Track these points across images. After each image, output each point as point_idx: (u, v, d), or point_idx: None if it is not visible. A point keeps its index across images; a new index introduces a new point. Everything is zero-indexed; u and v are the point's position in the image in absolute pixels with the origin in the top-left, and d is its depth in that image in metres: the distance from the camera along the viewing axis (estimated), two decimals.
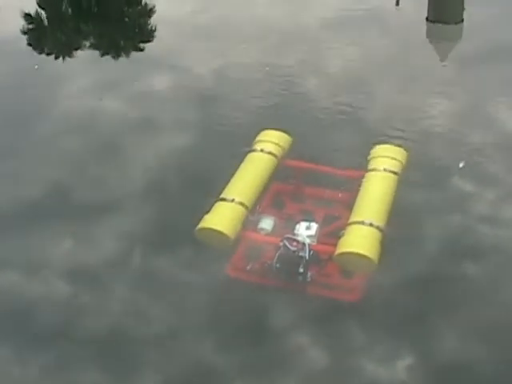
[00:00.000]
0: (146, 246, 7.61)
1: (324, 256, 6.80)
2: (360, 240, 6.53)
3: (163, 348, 6.58)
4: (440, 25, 11.63)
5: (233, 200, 6.94)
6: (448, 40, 11.72)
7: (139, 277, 7.30)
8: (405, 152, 7.61)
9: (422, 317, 6.72)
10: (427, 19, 11.72)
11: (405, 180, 7.39)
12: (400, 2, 12.53)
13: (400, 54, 11.07)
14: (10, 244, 7.72)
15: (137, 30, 13.02)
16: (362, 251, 6.41)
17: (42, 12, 13.12)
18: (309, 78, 10.61)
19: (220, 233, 6.68)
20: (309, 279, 6.78)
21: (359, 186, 7.22)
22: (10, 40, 12.16)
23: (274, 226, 7.09)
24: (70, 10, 13.78)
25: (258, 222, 7.09)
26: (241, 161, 7.49)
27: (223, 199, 6.98)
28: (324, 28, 11.90)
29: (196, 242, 6.93)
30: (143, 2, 13.37)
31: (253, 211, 7.07)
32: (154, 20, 12.73)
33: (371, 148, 7.70)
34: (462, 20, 11.61)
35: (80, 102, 10.20)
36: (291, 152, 7.82)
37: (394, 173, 7.27)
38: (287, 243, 6.73)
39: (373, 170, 7.32)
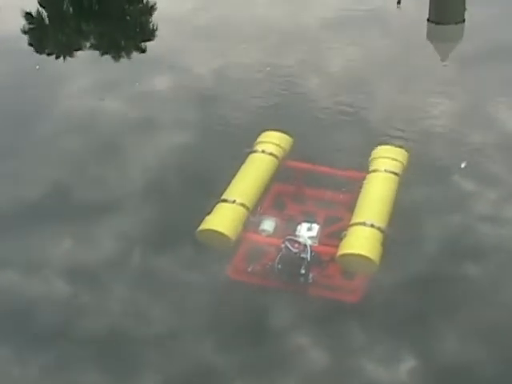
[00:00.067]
0: (145, 246, 7.60)
1: (325, 257, 6.80)
2: (361, 241, 6.52)
3: (163, 348, 6.58)
4: (441, 25, 11.61)
5: (234, 201, 6.94)
6: (449, 40, 11.71)
7: (139, 277, 7.29)
8: (406, 153, 7.61)
9: (422, 318, 6.71)
10: (428, 20, 11.70)
11: (406, 180, 7.39)
12: (401, 3, 12.52)
13: (401, 54, 11.06)
14: (10, 244, 7.71)
15: (138, 30, 13.01)
16: (363, 252, 6.41)
17: (43, 11, 13.11)
18: (309, 78, 10.60)
19: (221, 234, 6.68)
20: (310, 280, 6.78)
21: (360, 187, 7.22)
22: (10, 39, 12.16)
23: (276, 228, 7.09)
24: (71, 9, 13.78)
25: (259, 223, 7.09)
26: (241, 161, 7.49)
27: (224, 200, 6.97)
28: (324, 28, 11.89)
29: (196, 242, 6.92)
30: (144, 1, 13.37)
31: (254, 212, 7.07)
32: (154, 19, 12.72)
33: (372, 148, 7.70)
34: (464, 20, 11.60)
35: (80, 102, 10.19)
36: (292, 153, 7.82)
37: (395, 174, 7.28)
38: (289, 245, 6.73)
39: (374, 170, 7.32)
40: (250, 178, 7.25)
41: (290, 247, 6.72)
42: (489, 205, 7.99)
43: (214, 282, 7.05)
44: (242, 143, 7.91)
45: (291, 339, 6.58)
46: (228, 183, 7.24)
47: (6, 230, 7.85)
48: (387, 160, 7.39)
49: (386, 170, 7.27)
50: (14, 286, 7.24)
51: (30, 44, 12.26)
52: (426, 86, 10.21)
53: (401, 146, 7.82)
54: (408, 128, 9.17)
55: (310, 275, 6.77)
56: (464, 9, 11.59)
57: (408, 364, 6.32)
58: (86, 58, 11.72)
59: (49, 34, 13.05)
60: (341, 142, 8.97)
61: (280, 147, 7.64)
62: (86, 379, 6.37)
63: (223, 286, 7.00)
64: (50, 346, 6.65)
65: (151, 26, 12.58)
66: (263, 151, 7.55)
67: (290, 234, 6.88)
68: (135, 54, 11.89)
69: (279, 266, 6.77)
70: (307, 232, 6.96)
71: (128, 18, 13.53)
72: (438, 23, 11.65)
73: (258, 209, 7.19)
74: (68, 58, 11.72)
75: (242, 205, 6.93)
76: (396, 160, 7.41)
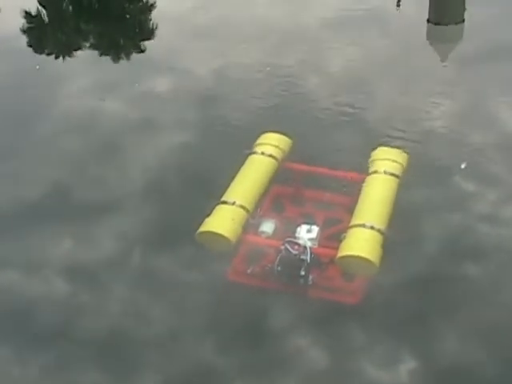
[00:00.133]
0: (145, 247, 7.61)
1: (325, 259, 6.80)
2: (361, 243, 6.53)
3: (163, 348, 6.59)
4: (441, 25, 11.61)
5: (234, 203, 6.93)
6: (449, 40, 11.69)
7: (139, 277, 7.30)
8: (405, 154, 7.60)
9: (422, 319, 6.72)
10: (428, 20, 11.70)
11: (406, 180, 7.39)
12: (401, 4, 12.50)
13: (400, 54, 11.04)
14: (10, 244, 7.72)
15: (137, 30, 13.00)
16: (363, 254, 6.41)
17: (43, 10, 13.10)
18: (309, 78, 10.59)
19: (221, 236, 6.68)
20: (310, 282, 6.78)
21: (360, 188, 7.21)
22: (10, 39, 12.15)
23: (275, 229, 7.09)
24: (70, 8, 13.77)
25: (258, 225, 7.09)
26: (241, 163, 7.49)
27: (224, 202, 6.98)
28: (324, 28, 11.87)
29: (196, 243, 6.92)
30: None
31: (254, 214, 7.07)
32: (154, 18, 12.71)
33: (372, 149, 7.69)
34: (463, 20, 11.59)
35: (80, 102, 10.19)
36: (292, 153, 7.82)
37: (395, 175, 7.27)
38: (289, 246, 6.74)
39: (373, 172, 7.31)
40: (249, 180, 7.25)
41: (290, 249, 6.73)
42: (489, 205, 7.99)
43: (214, 283, 7.06)
44: (242, 144, 7.90)
45: (291, 340, 6.58)
46: (227, 184, 7.24)
47: (6, 230, 7.85)
48: (387, 162, 7.38)
49: (385, 172, 7.26)
50: (14, 285, 7.26)
51: (30, 44, 12.25)
52: (425, 87, 10.19)
53: (400, 148, 7.82)
54: (408, 128, 9.16)
55: (310, 277, 6.77)
56: (464, 9, 11.58)
57: (408, 364, 6.33)
58: (85, 57, 11.72)
59: (49, 34, 13.03)
60: (341, 142, 8.96)
61: (279, 149, 7.63)
62: (86, 379, 6.39)
63: (223, 287, 7.01)
64: (50, 346, 6.67)
65: (151, 25, 12.57)
66: (262, 153, 7.54)
67: (289, 236, 6.88)
68: (135, 54, 11.89)
69: (279, 268, 6.77)
70: (307, 234, 6.96)
71: (128, 16, 13.51)
72: (437, 23, 11.63)
73: (258, 211, 7.19)
74: (68, 58, 11.71)
75: (242, 207, 6.93)
76: (396, 162, 7.40)
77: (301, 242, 6.81)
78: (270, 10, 12.63)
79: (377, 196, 7.06)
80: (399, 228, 6.87)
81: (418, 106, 9.77)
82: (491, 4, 11.96)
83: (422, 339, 6.55)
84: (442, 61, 11.13)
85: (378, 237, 6.59)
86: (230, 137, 9.09)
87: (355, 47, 11.33)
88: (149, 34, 12.33)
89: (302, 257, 6.70)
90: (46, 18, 13.09)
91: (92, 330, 6.77)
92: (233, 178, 7.31)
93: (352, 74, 10.61)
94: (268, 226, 7.08)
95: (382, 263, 6.46)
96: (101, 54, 11.82)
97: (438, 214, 7.80)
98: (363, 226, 6.65)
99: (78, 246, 7.70)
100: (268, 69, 10.77)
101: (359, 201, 7.05)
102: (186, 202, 8.05)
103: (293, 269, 6.73)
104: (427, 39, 11.72)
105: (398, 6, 12.49)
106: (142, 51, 11.90)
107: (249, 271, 6.96)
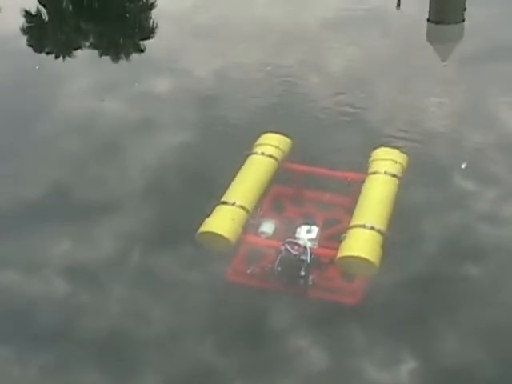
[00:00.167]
0: (145, 247, 7.61)
1: (325, 259, 6.80)
2: (361, 243, 6.53)
3: (163, 348, 6.59)
4: (441, 25, 11.60)
5: (234, 203, 6.94)
6: (449, 40, 11.69)
7: (139, 277, 7.30)
8: (405, 155, 7.59)
9: (422, 319, 6.72)
10: (428, 19, 11.69)
11: (406, 180, 7.39)
12: (401, 4, 12.49)
13: (400, 53, 11.04)
14: (10, 244, 7.72)
15: (137, 30, 13.00)
16: (363, 255, 6.42)
17: (43, 9, 13.09)
18: (309, 78, 10.59)
19: (221, 236, 6.68)
20: (310, 282, 6.78)
21: (360, 189, 7.21)
22: (10, 39, 12.15)
23: (275, 230, 7.10)
24: (70, 7, 13.77)
25: (258, 225, 7.10)
26: (241, 163, 7.49)
27: (224, 202, 6.98)
28: (324, 28, 11.87)
29: (196, 244, 6.93)
30: None
31: (254, 215, 7.07)
32: (154, 18, 12.71)
33: (372, 149, 7.70)
34: (463, 20, 11.59)
35: (80, 102, 10.18)
36: (292, 153, 7.82)
37: (395, 176, 7.27)
38: (288, 247, 6.74)
39: (373, 173, 7.31)
40: (249, 181, 7.25)
41: (290, 249, 6.73)
42: (489, 205, 7.99)
43: (214, 283, 7.06)
44: (242, 144, 7.90)
45: (291, 341, 6.58)
46: (228, 184, 7.24)
47: (6, 230, 7.86)
48: (387, 162, 7.37)
49: (385, 172, 7.26)
50: (14, 285, 7.26)
51: (30, 44, 12.24)
52: (425, 86, 10.19)
53: (401, 148, 7.82)
54: (408, 128, 9.16)
55: (310, 277, 6.78)
56: (464, 9, 11.57)
57: (408, 365, 6.33)
58: (85, 56, 11.72)
59: (48, 33, 13.03)
60: (341, 142, 8.96)
61: (279, 149, 7.64)
62: (86, 379, 6.39)
63: (223, 288, 7.01)
64: (50, 345, 6.67)
65: (151, 25, 12.57)
66: (262, 153, 7.54)
67: (289, 236, 6.89)
68: (135, 53, 11.88)
69: (279, 268, 6.77)
70: (307, 234, 6.97)
71: (128, 15, 13.50)
72: (437, 23, 11.63)
73: (258, 211, 7.19)
74: (67, 58, 11.70)
75: (242, 207, 6.93)
76: (396, 162, 7.39)
77: (301, 242, 6.81)
78: (270, 9, 12.64)
79: (377, 196, 7.06)
80: (399, 228, 6.87)
81: (418, 105, 9.77)
82: (491, 4, 11.96)
83: (422, 339, 6.56)
84: (442, 60, 11.12)
85: (377, 237, 6.59)
86: (230, 137, 9.08)
87: (355, 47, 11.33)
88: (149, 33, 12.33)
89: (302, 257, 6.70)
90: (45, 17, 13.08)
91: (92, 329, 6.77)
92: (233, 178, 7.31)
93: (352, 73, 10.61)
94: (268, 227, 7.08)
95: (382, 263, 6.47)
96: (101, 54, 11.83)
97: (438, 214, 7.79)
98: (363, 226, 6.65)
99: (78, 245, 7.70)
100: (268, 68, 10.76)
101: (359, 201, 7.05)
102: (185, 202, 8.05)
103: (293, 269, 6.73)
104: (427, 39, 11.71)
105: (398, 5, 12.48)
106: (142, 51, 11.90)
107: (249, 271, 6.96)
